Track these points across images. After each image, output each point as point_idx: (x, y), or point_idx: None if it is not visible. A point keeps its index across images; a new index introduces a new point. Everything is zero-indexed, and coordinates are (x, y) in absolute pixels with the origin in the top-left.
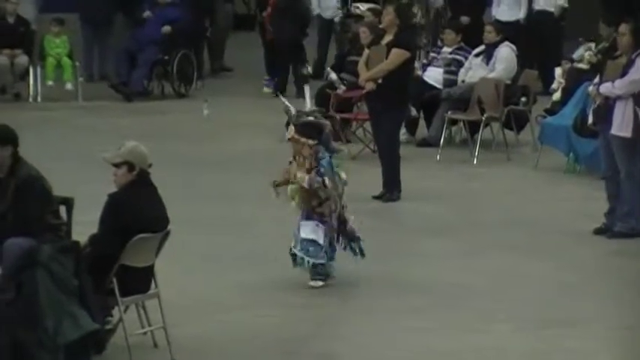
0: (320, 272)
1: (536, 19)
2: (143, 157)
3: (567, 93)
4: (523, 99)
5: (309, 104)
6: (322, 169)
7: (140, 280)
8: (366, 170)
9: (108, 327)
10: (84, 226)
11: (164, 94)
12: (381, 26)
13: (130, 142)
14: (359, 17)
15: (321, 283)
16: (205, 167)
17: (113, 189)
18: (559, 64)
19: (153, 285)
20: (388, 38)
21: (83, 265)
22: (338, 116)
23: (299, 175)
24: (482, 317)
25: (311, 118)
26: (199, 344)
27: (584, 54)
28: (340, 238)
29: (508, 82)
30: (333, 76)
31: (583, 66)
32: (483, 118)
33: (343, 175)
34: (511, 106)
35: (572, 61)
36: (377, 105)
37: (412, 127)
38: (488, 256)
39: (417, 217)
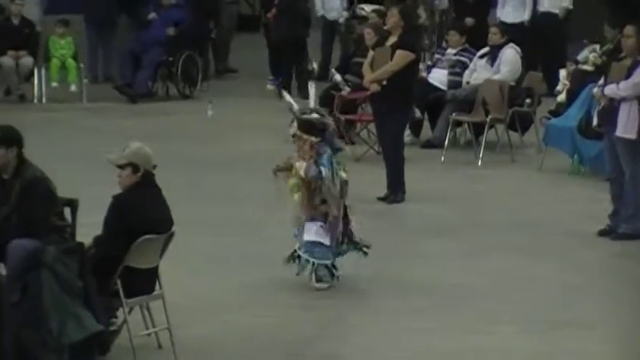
0: (325, 274)
1: (540, 20)
2: (148, 159)
3: (572, 95)
4: (528, 101)
5: (313, 101)
6: (321, 160)
7: (144, 282)
8: (371, 171)
9: (112, 328)
10: (88, 228)
11: (168, 96)
12: (385, 28)
13: (135, 143)
14: (364, 19)
15: (326, 285)
16: (210, 168)
17: (118, 190)
18: (564, 66)
19: (157, 286)
20: (393, 40)
21: (88, 266)
22: (342, 117)
23: (297, 164)
24: (486, 318)
25: (315, 115)
26: (204, 345)
27: (589, 56)
28: (344, 240)
29: (513, 83)
30: (338, 77)
31: (588, 68)
32: (488, 120)
33: (343, 175)
34: (516, 107)
35: (576, 62)
36: (381, 106)
37: (416, 129)
38: (493, 257)
39: (421, 219)
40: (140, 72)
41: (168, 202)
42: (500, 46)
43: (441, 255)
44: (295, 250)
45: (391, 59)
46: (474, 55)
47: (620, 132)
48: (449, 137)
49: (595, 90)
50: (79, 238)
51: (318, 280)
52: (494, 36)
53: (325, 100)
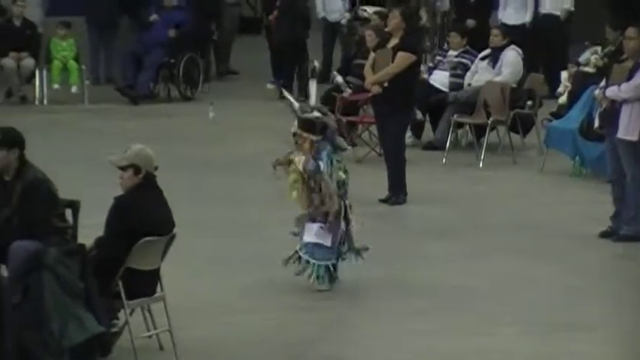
0: (326, 275)
1: (542, 22)
2: (149, 160)
3: (573, 96)
4: (529, 102)
5: (313, 99)
6: (320, 156)
7: (146, 283)
8: (372, 173)
9: (114, 330)
10: (90, 229)
11: (170, 97)
12: (387, 29)
13: (136, 145)
14: (365, 20)
15: (328, 286)
16: (212, 170)
17: (119, 192)
18: (565, 68)
19: (159, 288)
20: (394, 42)
21: (89, 268)
22: (344, 119)
23: (296, 159)
24: (487, 320)
25: (316, 113)
26: (205, 347)
27: (591, 57)
28: (345, 241)
29: (514, 85)
30: (339, 79)
31: (589, 69)
32: (489, 122)
33: (342, 175)
34: (517, 109)
35: (578, 64)
36: (383, 108)
37: (418, 131)
38: (494, 259)
39: (422, 220)
40: (142, 74)
41: (169, 204)
42: (502, 48)
43: (443, 256)
44: (296, 251)
45: (392, 61)
46: (476, 56)
47: (621, 134)
48: (450, 139)
49: (596, 92)
50: (80, 240)
51: (320, 281)
52: (495, 38)
53: (327, 101)
